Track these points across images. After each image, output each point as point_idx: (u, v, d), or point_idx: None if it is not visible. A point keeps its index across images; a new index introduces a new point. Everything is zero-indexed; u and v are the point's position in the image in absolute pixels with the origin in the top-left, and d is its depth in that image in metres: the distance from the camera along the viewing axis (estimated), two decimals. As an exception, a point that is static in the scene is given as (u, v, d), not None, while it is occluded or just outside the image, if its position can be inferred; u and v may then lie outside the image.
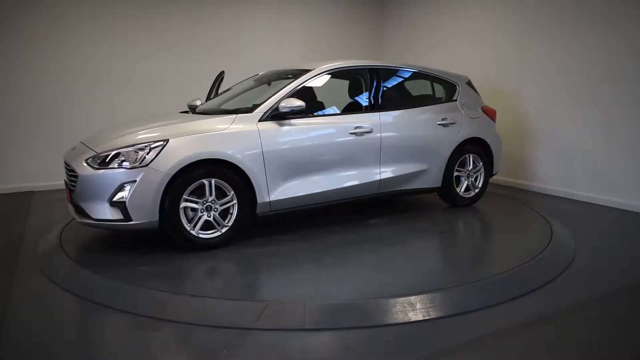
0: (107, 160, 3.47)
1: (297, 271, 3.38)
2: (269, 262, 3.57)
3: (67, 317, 2.82)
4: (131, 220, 3.42)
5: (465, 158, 5.01)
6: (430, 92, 5.06)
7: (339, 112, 4.54)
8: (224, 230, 3.74)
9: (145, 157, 3.42)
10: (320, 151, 4.13)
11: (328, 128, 4.19)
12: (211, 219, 3.68)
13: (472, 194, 5.11)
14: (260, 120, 3.88)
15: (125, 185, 3.39)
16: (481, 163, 5.09)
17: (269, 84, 4.65)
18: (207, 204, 3.65)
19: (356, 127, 4.26)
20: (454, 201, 5.05)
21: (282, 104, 3.89)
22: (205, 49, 7.18)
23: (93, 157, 3.53)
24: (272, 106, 3.94)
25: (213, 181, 3.62)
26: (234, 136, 3.72)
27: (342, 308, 2.78)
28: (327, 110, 4.60)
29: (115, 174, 3.42)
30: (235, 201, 3.73)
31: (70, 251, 3.72)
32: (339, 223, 4.52)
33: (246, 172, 3.73)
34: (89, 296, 3.00)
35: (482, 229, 4.66)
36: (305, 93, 4.20)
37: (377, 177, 4.43)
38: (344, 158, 4.25)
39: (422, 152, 4.69)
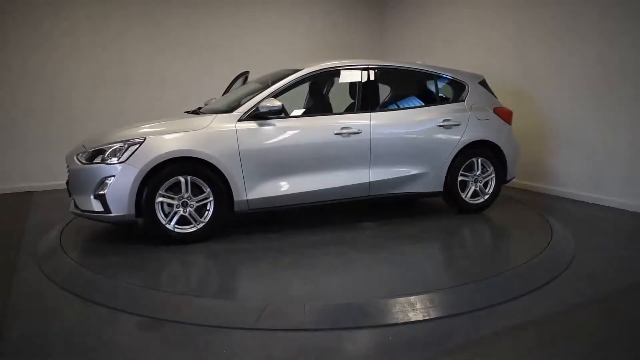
0: (92, 156, 3.77)
1: (250, 270, 3.48)
2: (228, 260, 3.62)
3: (67, 317, 2.82)
4: (110, 212, 3.67)
5: (473, 162, 4.72)
6: (433, 92, 4.83)
7: (327, 112, 4.51)
8: (200, 225, 3.85)
9: (123, 154, 3.66)
10: (302, 152, 4.11)
11: (311, 129, 4.17)
12: (187, 214, 3.81)
13: (481, 200, 4.79)
14: (240, 120, 3.96)
15: (106, 179, 3.65)
16: (492, 168, 4.76)
17: (270, 85, 4.65)
18: (183, 200, 3.78)
19: (342, 128, 4.20)
20: (459, 207, 4.76)
21: (262, 104, 3.96)
22: (208, 49, 7.18)
23: (82, 153, 3.83)
24: (252, 106, 4.00)
25: (189, 178, 3.76)
26: (209, 135, 3.84)
27: (342, 308, 2.78)
28: (315, 111, 4.59)
29: (98, 169, 3.70)
30: (211, 198, 3.84)
31: (70, 251, 3.72)
32: (328, 224, 4.47)
33: (222, 170, 3.82)
34: (89, 296, 3.00)
35: (478, 234, 4.43)
36: (293, 93, 4.25)
37: (367, 180, 4.32)
38: (328, 159, 4.18)
39: (419, 154, 4.50)
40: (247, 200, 3.96)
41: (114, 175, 3.63)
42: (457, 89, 4.86)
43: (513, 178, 5.01)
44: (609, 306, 2.94)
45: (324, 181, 4.19)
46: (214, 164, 3.80)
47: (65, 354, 2.38)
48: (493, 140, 4.74)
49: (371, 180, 4.33)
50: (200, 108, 4.70)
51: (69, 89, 6.43)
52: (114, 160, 3.66)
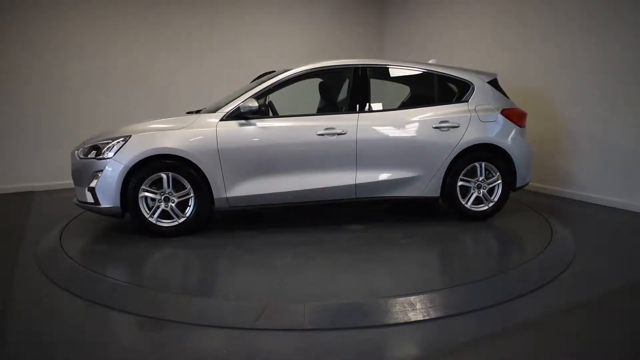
0: (87, 152, 4.05)
1: (205, 266, 3.61)
2: (191, 255, 3.75)
3: (67, 317, 2.82)
4: (100, 204, 3.93)
5: (475, 166, 4.44)
6: (431, 92, 4.61)
7: (313, 113, 4.45)
8: (181, 220, 4.04)
9: (111, 151, 3.92)
10: (282, 152, 4.12)
11: (292, 129, 4.17)
12: (168, 209, 4.00)
13: (484, 207, 4.49)
14: (222, 120, 4.07)
15: (97, 173, 3.92)
16: (498, 173, 4.46)
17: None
18: (165, 195, 3.99)
19: (326, 129, 4.15)
20: (460, 214, 4.49)
21: (243, 104, 4.04)
22: (216, 50, 7.22)
23: (81, 149, 4.12)
24: (235, 107, 4.09)
25: (170, 175, 3.96)
26: (190, 134, 3.99)
27: (342, 308, 2.78)
28: (301, 111, 4.50)
29: (90, 163, 3.98)
30: (192, 195, 4.01)
31: (70, 251, 3.72)
32: (316, 225, 4.45)
33: (201, 168, 3.97)
34: (89, 296, 3.00)
35: (477, 235, 4.25)
36: (279, 94, 4.32)
37: (352, 182, 4.22)
38: (310, 160, 4.15)
39: (410, 157, 4.30)
40: (227, 197, 4.06)
41: (102, 170, 3.90)
42: (461, 89, 4.59)
43: (526, 184, 4.68)
44: (609, 306, 2.94)
45: (307, 182, 4.17)
46: (194, 161, 3.94)
47: (65, 354, 2.38)
48: (497, 144, 4.42)
49: (357, 182, 4.23)
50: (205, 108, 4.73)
51: (73, 89, 6.45)
52: (103, 155, 3.93)
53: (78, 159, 4.09)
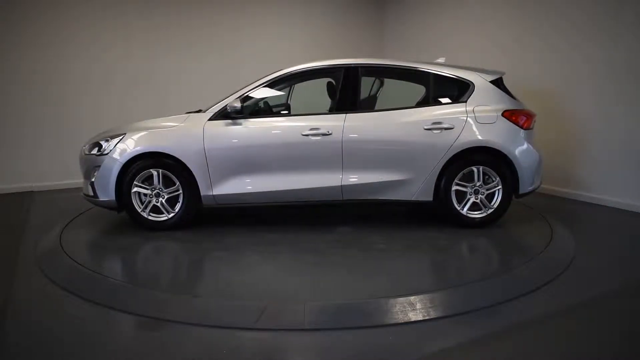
0: (91, 148, 4.28)
1: (176, 260, 3.76)
2: (175, 248, 3.90)
3: (67, 317, 2.82)
4: (98, 197, 4.18)
5: (472, 170, 4.20)
6: (425, 92, 4.46)
7: (301, 113, 4.40)
8: (171, 215, 4.22)
9: (107, 147, 4.15)
10: (267, 152, 4.15)
11: (277, 129, 4.21)
12: (159, 204, 4.19)
13: (482, 214, 4.26)
14: (210, 119, 4.19)
15: (96, 168, 4.16)
16: (497, 178, 4.21)
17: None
18: (156, 191, 4.18)
19: (311, 129, 4.12)
20: (456, 220, 4.27)
21: (229, 104, 4.14)
22: (214, 50, 7.23)
23: (87, 145, 4.36)
24: (222, 106, 4.21)
25: (160, 171, 4.14)
26: (179, 133, 4.17)
27: (342, 308, 2.78)
28: (290, 111, 4.57)
29: (91, 159, 4.24)
30: (181, 191, 4.17)
31: (70, 251, 3.72)
32: (307, 225, 4.44)
33: (188, 165, 4.11)
34: (89, 296, 3.01)
35: (477, 236, 4.19)
36: (267, 94, 4.41)
37: (339, 183, 4.17)
38: (295, 160, 4.15)
39: (399, 159, 4.16)
40: (213, 195, 4.17)
41: (100, 165, 4.13)
42: (460, 89, 4.34)
43: (533, 190, 4.33)
44: (609, 306, 2.94)
45: (292, 182, 4.16)
46: (182, 159, 4.09)
47: (65, 354, 2.38)
48: (496, 147, 4.13)
49: (343, 184, 4.17)
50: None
51: (76, 89, 6.45)
52: (102, 152, 4.16)
53: (84, 154, 4.34)
